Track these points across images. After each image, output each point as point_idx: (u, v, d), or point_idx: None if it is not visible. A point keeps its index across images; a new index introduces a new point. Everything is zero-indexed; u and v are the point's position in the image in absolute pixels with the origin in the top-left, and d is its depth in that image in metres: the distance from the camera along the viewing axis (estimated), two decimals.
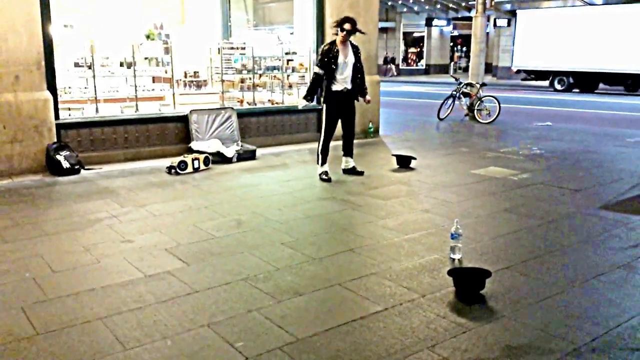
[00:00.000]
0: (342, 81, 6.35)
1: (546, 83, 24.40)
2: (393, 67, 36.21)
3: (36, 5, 6.50)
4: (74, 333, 2.93)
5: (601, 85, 22.85)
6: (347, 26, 6.19)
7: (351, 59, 6.37)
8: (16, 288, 3.50)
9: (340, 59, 6.26)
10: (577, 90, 22.63)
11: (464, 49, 38.21)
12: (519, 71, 24.88)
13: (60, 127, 6.89)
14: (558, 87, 23.16)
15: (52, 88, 6.80)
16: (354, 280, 3.61)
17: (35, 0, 6.49)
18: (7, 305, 3.24)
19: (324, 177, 6.43)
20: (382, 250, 4.15)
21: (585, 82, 22.53)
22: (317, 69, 6.33)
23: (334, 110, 6.43)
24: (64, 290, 3.46)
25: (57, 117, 6.88)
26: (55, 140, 6.74)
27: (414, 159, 7.18)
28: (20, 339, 2.87)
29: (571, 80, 22.73)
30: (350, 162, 6.75)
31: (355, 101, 6.58)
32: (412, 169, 7.02)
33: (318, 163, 6.52)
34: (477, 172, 6.86)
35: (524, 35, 24.03)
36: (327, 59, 6.23)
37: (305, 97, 6.47)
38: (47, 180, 6.38)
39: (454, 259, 3.97)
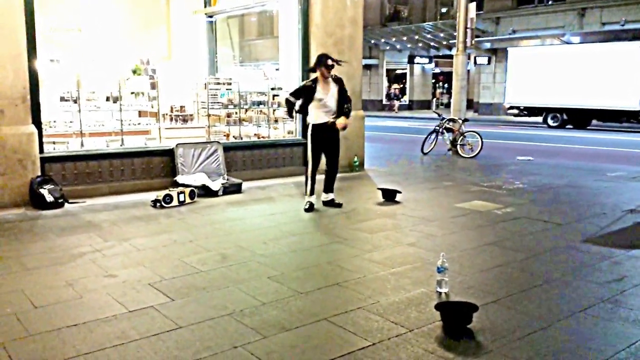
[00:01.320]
0: (325, 114, 6.51)
1: (533, 119, 24.51)
2: (397, 103, 35.82)
3: (22, 40, 6.54)
4: None
5: (594, 122, 22.89)
6: (329, 62, 6.43)
7: (334, 91, 6.52)
8: None
9: (320, 94, 6.45)
10: (571, 127, 22.60)
11: (446, 85, 38.97)
12: (510, 107, 24.85)
13: (44, 160, 6.85)
14: (551, 123, 23.12)
15: (37, 122, 6.78)
16: (340, 314, 3.58)
17: (22, 35, 6.53)
18: None
19: (306, 207, 6.58)
20: (368, 284, 4.14)
21: (578, 118, 22.53)
22: (290, 97, 6.70)
23: (317, 142, 6.58)
24: (45, 326, 3.38)
25: (41, 150, 6.84)
26: (39, 173, 6.69)
27: (399, 192, 7.24)
28: None
29: (565, 116, 22.72)
30: (330, 195, 6.86)
31: (341, 133, 6.71)
32: (397, 202, 7.06)
33: (306, 193, 6.67)
34: (462, 206, 6.91)
35: (515, 72, 24.10)
36: (303, 92, 6.59)
37: (290, 115, 7.05)
38: (31, 214, 6.30)
39: (440, 293, 3.96)
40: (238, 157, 8.59)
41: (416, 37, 32.89)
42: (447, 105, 34.79)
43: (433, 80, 39.83)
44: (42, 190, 6.45)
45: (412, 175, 9.66)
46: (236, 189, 7.66)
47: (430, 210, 6.73)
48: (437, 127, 12.61)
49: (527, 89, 23.64)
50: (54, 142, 7.21)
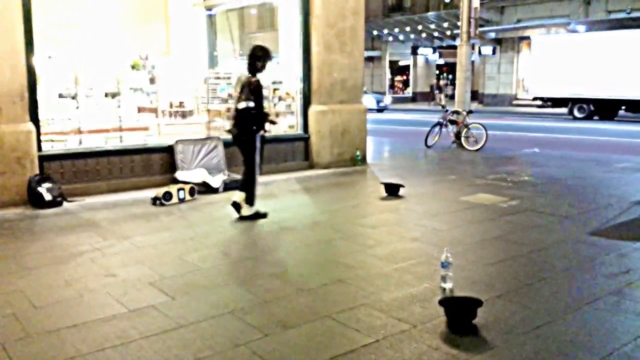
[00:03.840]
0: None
1: (547, 110, 23.84)
2: (441, 95, 31.90)
3: (20, 37, 6.47)
4: None
5: (621, 113, 22.03)
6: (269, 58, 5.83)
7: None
8: None
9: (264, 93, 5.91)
10: (597, 118, 21.63)
11: (450, 76, 38.76)
12: (535, 98, 24.02)
13: (42, 159, 6.79)
14: (578, 114, 22.05)
15: (35, 119, 6.72)
16: (343, 311, 3.52)
17: (19, 32, 6.47)
18: None
19: (261, 212, 5.95)
20: (371, 280, 4.08)
21: (606, 109, 21.46)
22: (251, 103, 5.63)
23: (262, 145, 5.94)
24: (45, 326, 3.34)
25: (39, 148, 6.78)
26: (37, 172, 6.63)
27: (403, 187, 7.15)
28: None
29: (592, 107, 21.63)
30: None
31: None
32: (400, 197, 6.99)
33: (250, 204, 5.89)
34: (466, 200, 6.84)
35: (539, 61, 23.02)
36: (260, 92, 5.74)
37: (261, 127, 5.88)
38: (29, 213, 6.25)
39: (444, 288, 3.90)
40: (239, 153, 8.48)
41: (419, 27, 32.67)
42: (452, 97, 34.58)
43: (437, 72, 39.61)
44: (40, 189, 6.39)
45: (415, 169, 9.58)
46: (237, 185, 7.56)
47: (434, 204, 6.66)
48: (441, 120, 12.51)
49: (552, 78, 22.43)
50: (52, 140, 7.16)
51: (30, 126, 6.63)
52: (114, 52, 9.49)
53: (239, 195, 5.93)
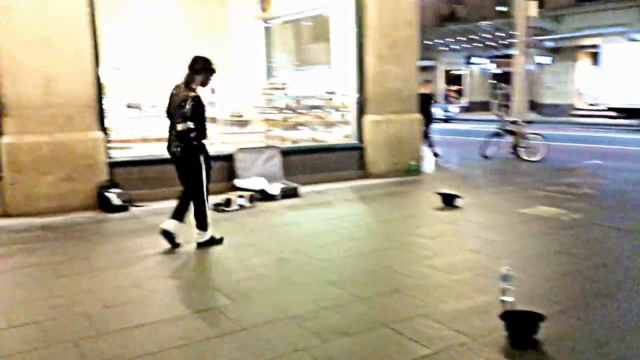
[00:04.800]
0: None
1: (597, 120, 22.75)
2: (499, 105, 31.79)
3: (89, 48, 6.85)
4: None
5: None
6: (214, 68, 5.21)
7: None
8: (69, 322, 3.58)
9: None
10: None
11: (506, 86, 37.92)
12: (609, 109, 22.87)
13: (111, 165, 7.14)
14: None
15: (103, 128, 7.09)
16: (401, 321, 3.54)
17: (88, 45, 6.83)
18: (60, 340, 3.31)
19: (216, 238, 5.30)
20: (429, 291, 4.07)
21: None
22: (190, 124, 4.88)
23: (207, 165, 5.20)
24: (115, 325, 3.52)
25: (108, 155, 7.14)
26: (106, 178, 6.97)
27: (460, 197, 7.07)
28: None
29: None
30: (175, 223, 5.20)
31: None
32: (457, 207, 6.91)
33: (204, 229, 5.20)
34: (525, 212, 6.69)
35: (611, 70, 21.88)
36: (201, 109, 5.01)
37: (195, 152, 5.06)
38: (98, 216, 6.57)
39: (505, 302, 3.84)
40: (295, 162, 8.66)
41: (474, 37, 32.19)
42: (507, 107, 33.79)
43: (493, 81, 38.85)
44: (109, 194, 6.72)
45: (472, 179, 9.45)
46: (294, 193, 7.72)
47: (492, 215, 6.56)
48: (498, 130, 12.30)
49: (626, 88, 21.21)
50: (119, 148, 7.50)
51: (99, 134, 6.99)
52: (177, 64, 9.84)
53: (173, 224, 5.13)
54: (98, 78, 7.01)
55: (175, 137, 5.05)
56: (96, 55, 6.98)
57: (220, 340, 3.28)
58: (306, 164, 8.77)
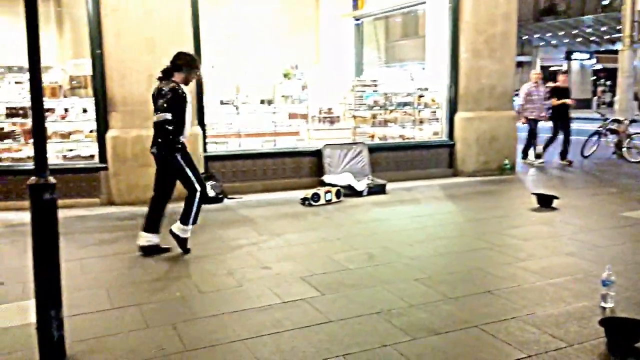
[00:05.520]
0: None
1: None
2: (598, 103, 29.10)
3: (191, 49, 7.14)
4: (218, 351, 3.11)
5: None
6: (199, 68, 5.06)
7: None
8: (168, 306, 3.80)
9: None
10: None
11: (608, 83, 35.57)
12: None
13: (207, 159, 7.50)
14: None
15: (201, 124, 7.44)
16: (493, 323, 3.44)
17: (191, 45, 7.16)
18: (160, 322, 3.52)
19: (161, 247, 4.98)
20: (523, 294, 3.92)
21: None
22: (168, 115, 4.67)
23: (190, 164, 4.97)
24: (209, 310, 3.69)
25: (205, 150, 7.49)
26: (203, 170, 7.30)
27: (557, 198, 6.74)
28: (170, 353, 3.09)
29: None
30: (152, 237, 4.94)
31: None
32: (554, 208, 6.59)
33: (190, 224, 4.96)
34: (629, 215, 6.26)
35: None
36: (178, 100, 4.73)
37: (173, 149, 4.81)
38: None
39: (605, 308, 3.63)
40: (382, 158, 8.64)
41: (574, 31, 30.49)
42: (610, 105, 31.78)
43: (594, 78, 36.61)
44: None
45: (570, 180, 8.97)
46: (380, 189, 7.70)
47: (591, 218, 6.19)
48: (600, 129, 11.59)
49: None
50: (215, 142, 7.85)
51: (198, 129, 7.34)
52: (269, 61, 10.13)
53: (149, 236, 4.91)
54: (198, 77, 7.34)
55: (154, 134, 4.80)
56: (197, 54, 7.30)
57: (309, 330, 3.35)
58: (394, 160, 8.73)
